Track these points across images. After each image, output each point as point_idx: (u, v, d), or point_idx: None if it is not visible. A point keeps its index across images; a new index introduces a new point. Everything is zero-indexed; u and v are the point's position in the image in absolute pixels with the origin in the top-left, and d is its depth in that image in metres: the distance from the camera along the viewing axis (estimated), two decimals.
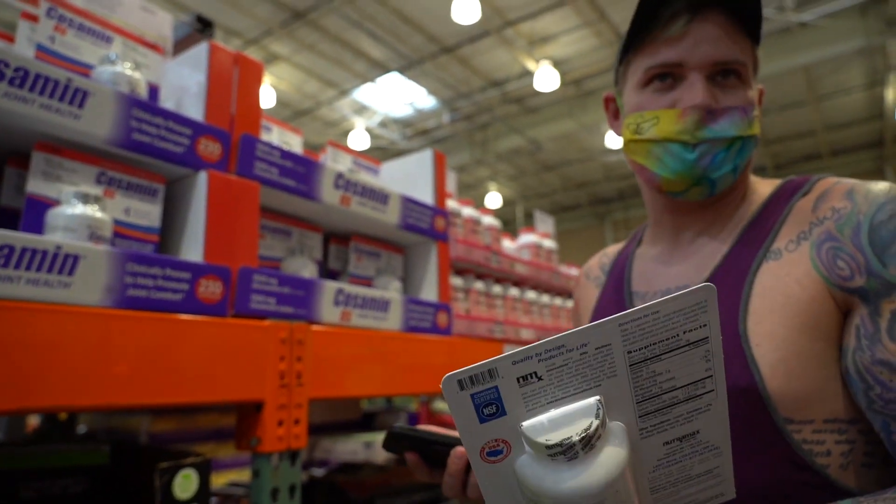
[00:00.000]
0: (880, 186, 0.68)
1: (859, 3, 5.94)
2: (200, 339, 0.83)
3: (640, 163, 0.78)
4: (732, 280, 0.72)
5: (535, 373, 0.42)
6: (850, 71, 7.30)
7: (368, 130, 8.79)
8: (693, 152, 0.73)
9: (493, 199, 10.81)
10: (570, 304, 2.10)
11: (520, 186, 11.46)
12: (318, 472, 1.59)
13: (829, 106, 8.22)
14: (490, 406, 0.42)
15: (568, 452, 0.41)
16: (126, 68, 0.88)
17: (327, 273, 1.31)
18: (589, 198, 12.14)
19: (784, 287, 0.68)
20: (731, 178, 0.75)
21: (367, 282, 1.31)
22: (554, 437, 0.41)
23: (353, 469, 1.54)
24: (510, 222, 11.98)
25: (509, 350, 0.44)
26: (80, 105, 0.79)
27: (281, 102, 8.13)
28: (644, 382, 0.44)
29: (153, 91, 0.95)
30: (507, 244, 2.00)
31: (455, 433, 0.69)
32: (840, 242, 0.66)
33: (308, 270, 1.15)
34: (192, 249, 0.92)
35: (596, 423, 0.41)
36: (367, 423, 1.97)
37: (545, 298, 1.96)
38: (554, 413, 0.42)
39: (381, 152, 9.17)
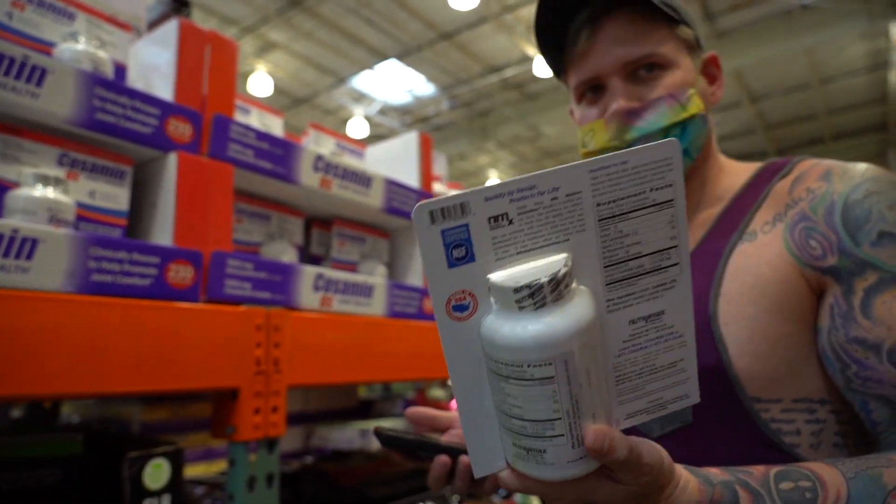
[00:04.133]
0: (859, 167, 0.67)
1: None
2: (170, 324, 0.81)
3: None
4: (707, 263, 0.72)
5: (506, 214, 0.41)
6: (853, 53, 7.20)
7: (367, 118, 8.72)
8: None
9: None
10: None
11: (520, 174, 11.33)
12: (312, 460, 1.58)
13: (832, 89, 8.12)
14: (460, 248, 0.40)
15: (536, 296, 0.40)
16: (90, 46, 0.85)
17: (310, 258, 1.29)
18: None
19: (755, 268, 0.67)
20: (687, 162, 0.75)
21: (351, 267, 1.28)
22: (522, 281, 0.40)
23: (344, 457, 1.52)
24: None
25: None
26: (39, 83, 0.76)
27: (279, 91, 8.07)
28: (611, 244, 0.43)
29: (120, 70, 0.92)
30: None
31: (438, 439, 0.69)
32: (813, 222, 0.66)
33: (288, 255, 1.13)
34: (162, 233, 0.89)
35: (564, 269, 0.40)
36: (364, 410, 1.95)
37: None
38: (522, 266, 0.42)
39: (380, 141, 9.10)
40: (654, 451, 0.45)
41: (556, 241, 0.42)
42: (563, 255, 0.42)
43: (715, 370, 0.65)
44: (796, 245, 0.66)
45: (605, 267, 0.44)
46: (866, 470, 0.53)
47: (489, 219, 0.40)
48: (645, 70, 0.73)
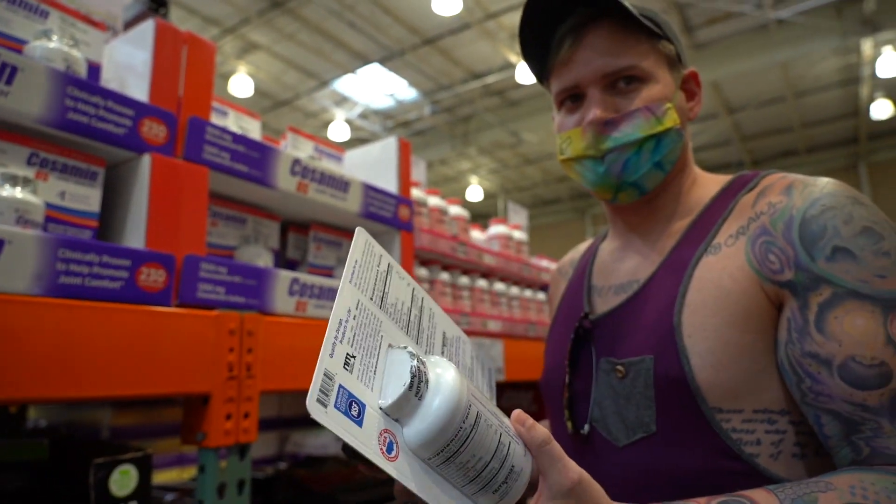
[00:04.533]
0: (819, 182, 0.68)
1: (835, 1, 6.00)
2: (141, 328, 0.79)
3: (572, 177, 0.83)
4: (674, 274, 0.73)
5: (348, 353, 0.46)
6: (827, 68, 7.38)
7: (349, 122, 8.70)
8: (602, 164, 0.76)
9: (475, 192, 10.79)
10: (540, 295, 2.08)
11: (501, 180, 11.45)
12: (285, 465, 1.56)
13: (806, 102, 8.31)
14: (353, 406, 0.44)
15: (421, 376, 0.46)
16: (63, 44, 0.84)
17: (286, 263, 1.28)
18: (569, 192, 12.16)
19: (718, 280, 0.69)
20: (661, 174, 0.77)
21: (327, 272, 1.27)
22: (405, 379, 0.46)
23: (317, 463, 1.51)
24: (492, 215, 11.96)
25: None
26: (9, 81, 0.75)
27: (260, 92, 8.01)
28: (395, 314, 0.54)
29: (94, 70, 0.91)
30: (478, 235, 1.97)
31: None
32: (773, 237, 0.67)
33: (263, 259, 1.12)
34: (134, 236, 0.88)
35: (409, 348, 0.48)
36: None
37: (514, 290, 1.94)
38: (386, 376, 0.48)
39: (362, 145, 9.07)
40: (591, 482, 0.49)
41: (378, 341, 0.50)
42: (391, 342, 0.51)
43: (678, 380, 0.66)
44: (756, 259, 0.67)
45: (407, 332, 0.55)
46: (802, 496, 0.54)
47: (343, 366, 0.45)
48: (624, 82, 0.75)
